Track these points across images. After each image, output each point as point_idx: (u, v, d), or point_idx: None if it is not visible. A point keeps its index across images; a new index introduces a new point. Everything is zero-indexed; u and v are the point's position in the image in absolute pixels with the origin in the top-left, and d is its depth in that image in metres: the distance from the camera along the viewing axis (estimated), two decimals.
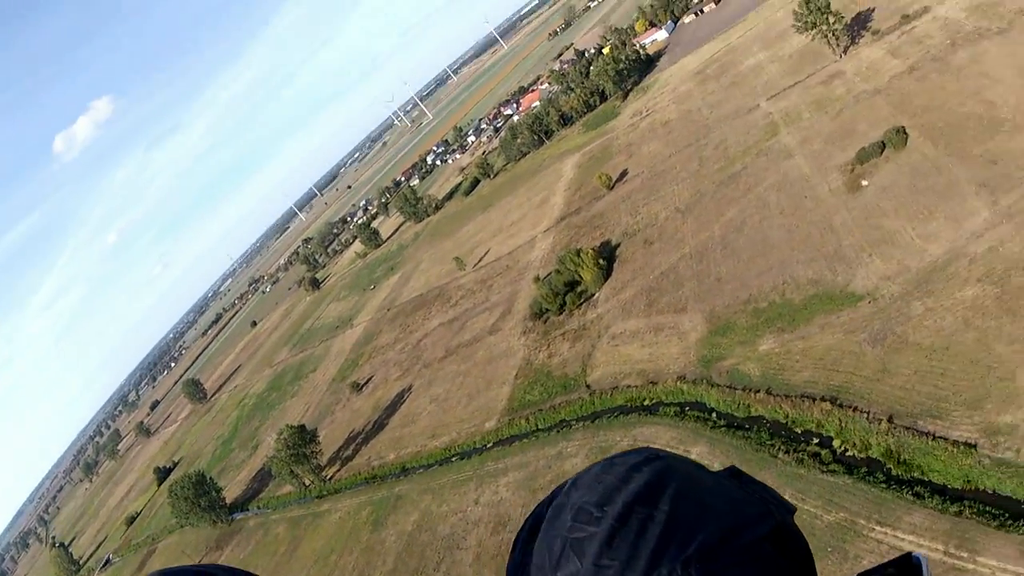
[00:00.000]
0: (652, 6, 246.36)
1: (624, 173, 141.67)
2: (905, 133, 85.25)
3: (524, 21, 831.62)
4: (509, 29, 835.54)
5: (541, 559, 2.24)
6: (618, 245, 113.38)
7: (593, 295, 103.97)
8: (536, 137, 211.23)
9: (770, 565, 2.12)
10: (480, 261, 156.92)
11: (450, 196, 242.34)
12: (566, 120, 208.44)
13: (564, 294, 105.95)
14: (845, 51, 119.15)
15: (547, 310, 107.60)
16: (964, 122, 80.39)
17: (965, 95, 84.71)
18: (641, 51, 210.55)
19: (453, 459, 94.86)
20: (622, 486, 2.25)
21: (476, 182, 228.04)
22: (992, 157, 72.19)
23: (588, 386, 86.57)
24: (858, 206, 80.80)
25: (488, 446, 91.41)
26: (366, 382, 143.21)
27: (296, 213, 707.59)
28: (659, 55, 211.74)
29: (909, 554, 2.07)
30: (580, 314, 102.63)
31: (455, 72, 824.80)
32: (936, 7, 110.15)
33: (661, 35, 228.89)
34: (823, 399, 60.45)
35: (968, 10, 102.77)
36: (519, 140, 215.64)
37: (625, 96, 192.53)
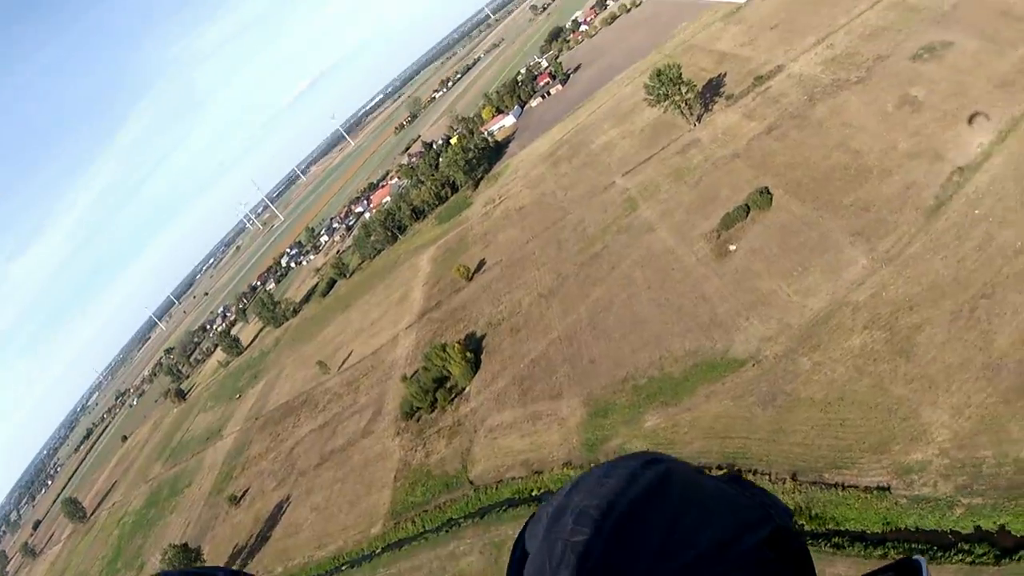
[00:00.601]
0: (498, 92, 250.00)
1: (482, 263, 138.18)
2: (769, 193, 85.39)
3: (370, 116, 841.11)
4: (356, 125, 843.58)
5: (541, 562, 2.24)
6: (484, 336, 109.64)
7: (464, 389, 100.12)
8: (390, 233, 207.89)
9: (770, 569, 2.18)
10: (344, 363, 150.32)
11: (307, 298, 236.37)
12: (419, 214, 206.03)
13: (434, 391, 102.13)
14: (699, 119, 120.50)
15: (418, 408, 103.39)
16: (830, 174, 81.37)
17: (829, 147, 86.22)
18: (489, 138, 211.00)
19: (343, 568, 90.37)
20: (624, 489, 2.28)
21: (332, 283, 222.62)
22: (863, 205, 72.80)
23: (471, 482, 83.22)
24: (729, 272, 79.79)
25: (378, 552, 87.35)
26: (243, 494, 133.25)
27: (156, 323, 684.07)
28: (508, 141, 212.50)
29: (910, 557, 2.11)
30: (453, 410, 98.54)
31: (304, 171, 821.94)
32: (790, 65, 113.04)
33: (508, 121, 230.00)
34: (719, 467, 57.30)
35: (824, 64, 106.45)
36: (373, 237, 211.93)
37: (476, 185, 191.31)
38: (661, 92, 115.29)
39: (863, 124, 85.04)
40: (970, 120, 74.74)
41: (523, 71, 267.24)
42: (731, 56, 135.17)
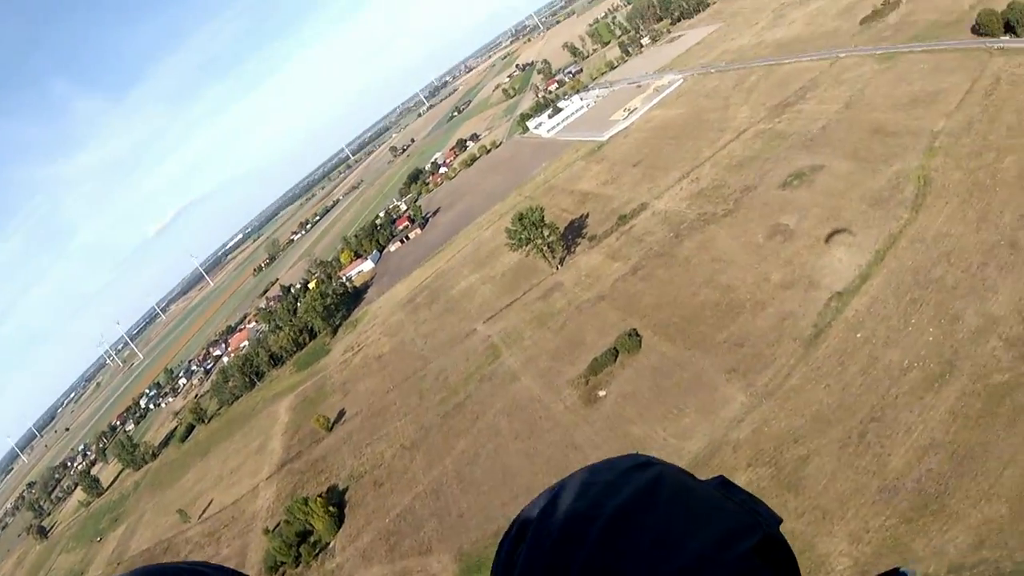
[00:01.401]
0: (356, 236, 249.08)
1: (342, 413, 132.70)
2: (638, 335, 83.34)
3: (229, 256, 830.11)
4: (215, 264, 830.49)
5: (529, 565, 2.25)
6: (346, 489, 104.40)
7: (329, 544, 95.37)
8: (247, 379, 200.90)
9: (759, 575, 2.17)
10: (205, 512, 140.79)
11: (166, 442, 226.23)
12: (277, 360, 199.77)
13: (298, 545, 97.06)
14: (562, 262, 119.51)
15: (283, 563, 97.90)
16: (701, 312, 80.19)
17: (698, 284, 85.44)
18: (348, 283, 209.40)
19: None
20: (613, 492, 2.29)
21: (191, 427, 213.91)
22: (737, 340, 71.47)
23: None
24: (600, 418, 76.74)
25: None
26: None
27: (18, 454, 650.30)
28: (367, 286, 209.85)
29: (897, 569, 2.13)
30: (318, 565, 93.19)
31: (164, 309, 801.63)
32: (654, 202, 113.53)
33: (367, 266, 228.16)
34: None
35: (690, 199, 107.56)
36: (231, 383, 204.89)
37: (335, 331, 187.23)
38: (523, 236, 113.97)
39: (733, 258, 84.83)
40: (828, 239, 76.09)
41: (382, 214, 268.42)
42: (594, 195, 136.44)
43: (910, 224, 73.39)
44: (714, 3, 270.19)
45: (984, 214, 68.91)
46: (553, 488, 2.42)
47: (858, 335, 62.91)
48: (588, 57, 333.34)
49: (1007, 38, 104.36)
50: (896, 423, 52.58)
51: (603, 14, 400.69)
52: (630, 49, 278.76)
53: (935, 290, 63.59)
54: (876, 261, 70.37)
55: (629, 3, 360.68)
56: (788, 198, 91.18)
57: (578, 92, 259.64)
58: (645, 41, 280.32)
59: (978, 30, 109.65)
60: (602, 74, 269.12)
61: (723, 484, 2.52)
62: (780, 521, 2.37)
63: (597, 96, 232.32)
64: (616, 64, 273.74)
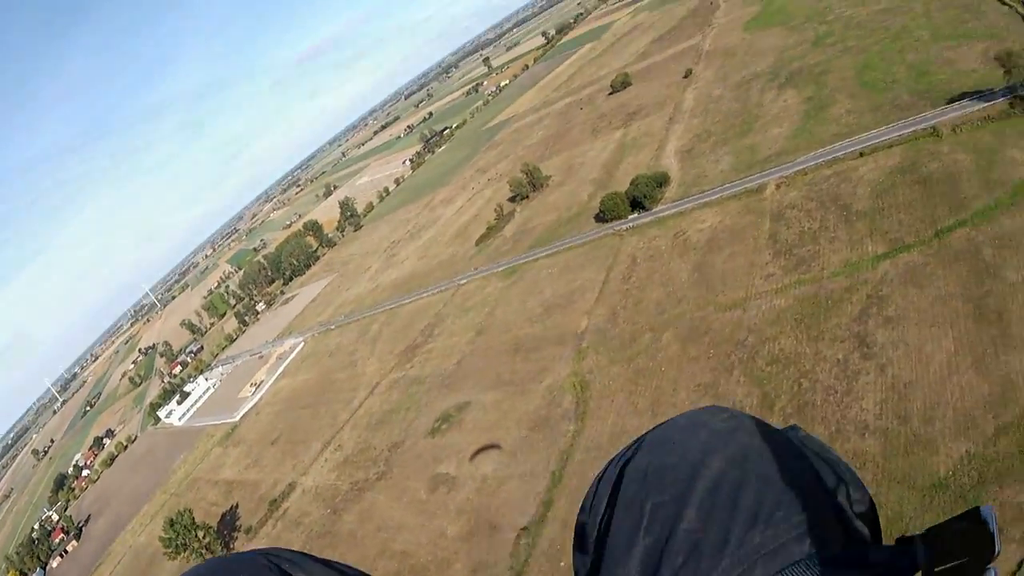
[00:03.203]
0: (18, 553, 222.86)
1: None
2: None
3: None
4: None
5: (622, 522, 2.26)
6: None
7: None
8: None
9: (854, 528, 2.18)
10: None
11: None
12: None
13: None
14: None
15: None
16: None
17: (372, 559, 78.01)
18: None
19: None
20: (705, 448, 2.30)
21: None
22: None
23: None
24: None
25: None
26: None
27: None
28: None
29: (977, 508, 2.06)
30: None
31: None
32: (302, 480, 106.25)
33: None
34: None
35: (338, 468, 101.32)
36: None
37: None
38: (179, 543, 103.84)
39: (400, 522, 79.56)
40: (473, 456, 75.44)
41: (36, 526, 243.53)
42: (238, 483, 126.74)
43: (579, 435, 72.46)
44: (324, 255, 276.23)
45: (657, 397, 69.79)
46: (642, 439, 2.46)
47: (561, 563, 59.81)
48: (207, 332, 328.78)
49: (635, 215, 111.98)
50: None
51: (216, 284, 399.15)
52: (247, 318, 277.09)
53: None
54: (554, 484, 68.20)
55: (240, 268, 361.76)
56: (440, 445, 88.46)
57: (202, 372, 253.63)
58: (260, 307, 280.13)
59: (604, 217, 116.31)
60: (223, 349, 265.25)
61: (794, 428, 2.51)
62: (854, 471, 2.35)
63: (221, 374, 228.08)
64: (235, 336, 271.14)
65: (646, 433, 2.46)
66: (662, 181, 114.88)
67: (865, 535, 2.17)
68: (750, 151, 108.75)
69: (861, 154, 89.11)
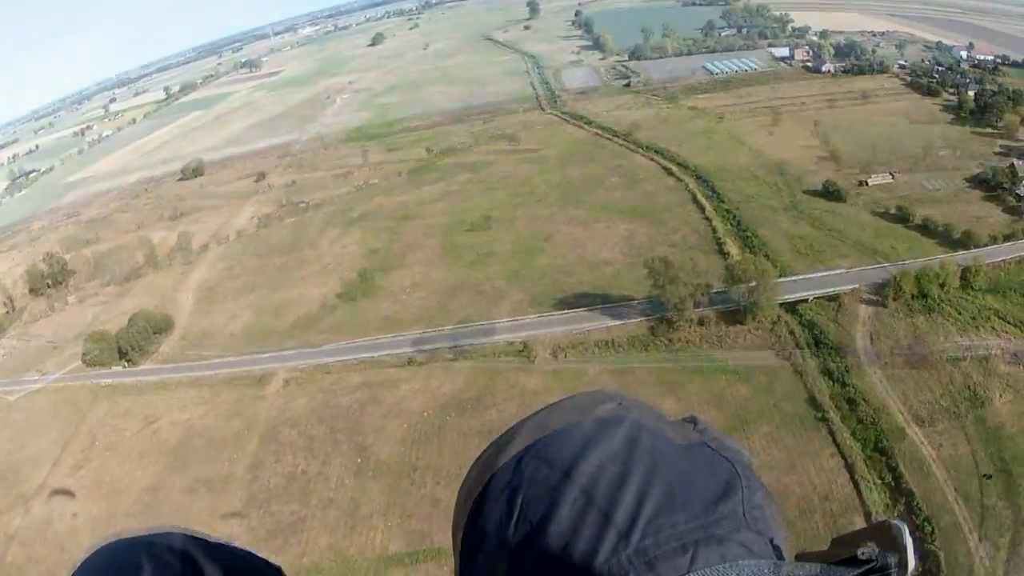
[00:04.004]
0: None
1: None
2: None
3: None
4: None
5: (492, 512, 2.09)
6: None
7: None
8: None
9: (756, 518, 2.02)
10: None
11: None
12: None
13: None
14: None
15: None
16: None
17: None
18: None
19: None
20: (593, 443, 2.09)
21: None
22: None
23: None
24: None
25: None
26: None
27: None
28: None
29: (887, 520, 2.00)
30: None
31: None
32: None
33: None
34: None
35: None
36: None
37: None
38: None
39: None
40: None
41: None
42: None
43: None
44: None
45: None
46: (520, 426, 2.25)
47: None
48: None
49: (122, 367, 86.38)
50: None
51: None
52: None
53: None
54: None
55: None
56: None
57: None
58: None
59: (93, 361, 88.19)
60: None
61: (692, 420, 2.35)
62: (751, 464, 2.20)
63: None
64: None
65: (528, 416, 2.25)
66: (164, 327, 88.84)
67: (761, 533, 1.95)
68: (275, 312, 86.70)
69: (410, 361, 70.37)
